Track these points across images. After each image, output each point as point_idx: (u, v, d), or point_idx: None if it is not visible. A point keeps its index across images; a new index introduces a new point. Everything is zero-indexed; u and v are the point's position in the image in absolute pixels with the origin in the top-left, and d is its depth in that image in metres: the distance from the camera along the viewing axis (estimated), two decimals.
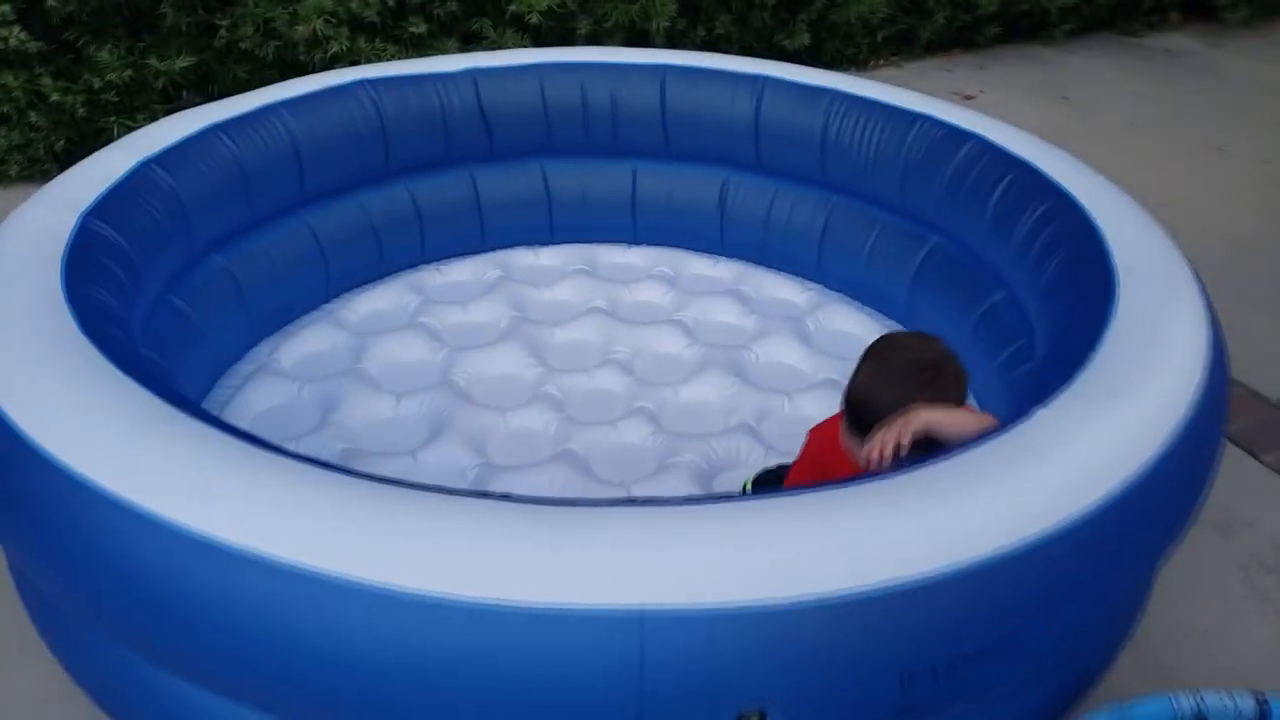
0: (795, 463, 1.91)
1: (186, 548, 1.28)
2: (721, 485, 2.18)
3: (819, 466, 1.79)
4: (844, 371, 2.55)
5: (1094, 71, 5.53)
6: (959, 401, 1.59)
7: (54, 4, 3.44)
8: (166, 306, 2.34)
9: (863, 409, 1.58)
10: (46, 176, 3.77)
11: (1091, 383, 1.57)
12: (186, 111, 2.58)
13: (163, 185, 2.32)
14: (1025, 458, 1.42)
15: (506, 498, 1.33)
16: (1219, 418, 1.69)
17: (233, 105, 2.62)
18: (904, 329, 2.79)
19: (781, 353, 2.68)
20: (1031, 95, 5.12)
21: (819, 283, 3.03)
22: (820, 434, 1.82)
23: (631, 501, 1.31)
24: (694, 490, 2.13)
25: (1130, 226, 2.09)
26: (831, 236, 2.96)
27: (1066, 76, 5.44)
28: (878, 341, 1.69)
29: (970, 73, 5.45)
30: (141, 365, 1.61)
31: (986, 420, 1.56)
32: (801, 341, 2.71)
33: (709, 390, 2.50)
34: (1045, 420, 1.49)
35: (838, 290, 2.99)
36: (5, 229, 1.95)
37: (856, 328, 2.80)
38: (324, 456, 2.22)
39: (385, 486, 1.33)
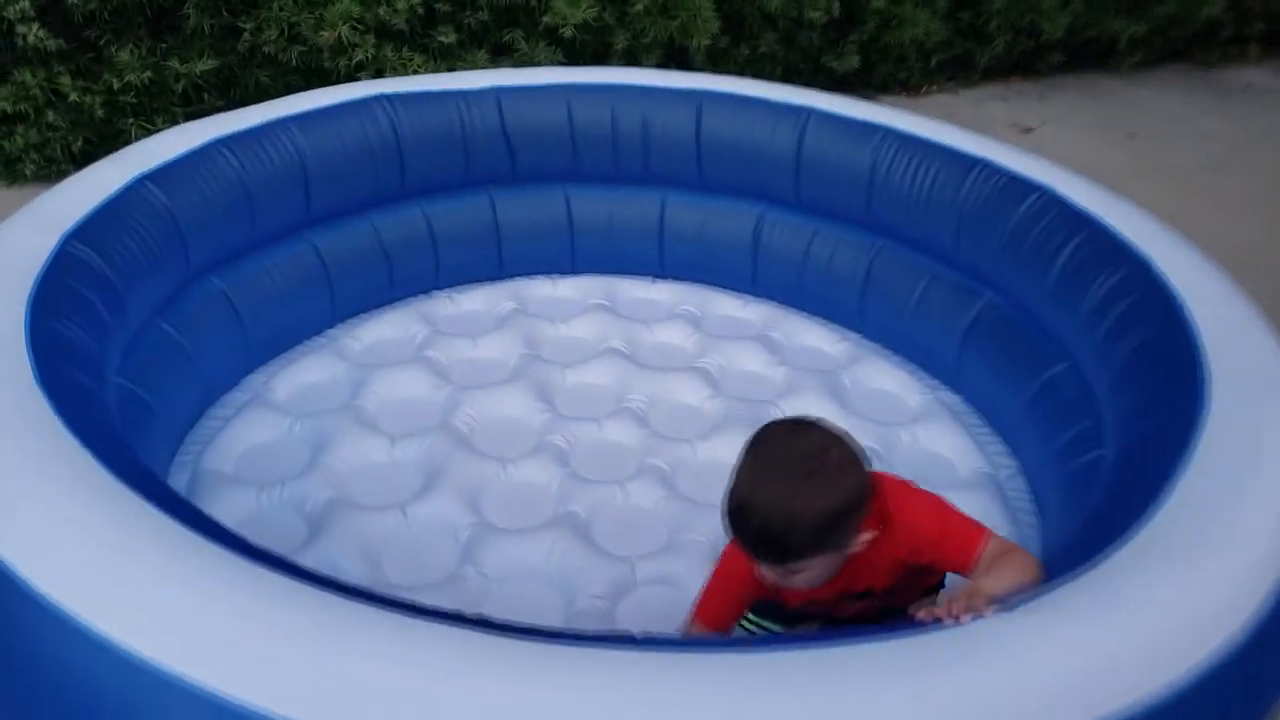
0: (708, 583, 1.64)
1: (119, 666, 1.10)
2: None
3: (728, 589, 1.60)
4: (881, 438, 2.36)
5: (1164, 107, 5.24)
6: (860, 493, 1.35)
7: (75, 2, 3.32)
8: (155, 332, 2.19)
9: (739, 516, 1.36)
10: (62, 177, 3.66)
11: (1175, 521, 1.34)
12: (188, 125, 2.43)
13: (156, 204, 2.17)
14: (1097, 617, 1.19)
15: (483, 624, 1.13)
16: None
17: (238, 119, 2.46)
18: (950, 392, 2.58)
19: (812, 410, 2.42)
20: (1095, 130, 4.85)
21: (857, 332, 2.81)
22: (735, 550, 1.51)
23: (632, 641, 1.11)
24: (703, 572, 1.92)
25: (1220, 306, 1.86)
26: (875, 283, 2.74)
27: (1134, 111, 5.15)
28: (753, 436, 1.45)
29: (1030, 103, 5.19)
30: (97, 424, 1.44)
31: (1033, 567, 1.35)
32: (835, 400, 2.49)
33: (728, 451, 2.23)
34: (1120, 567, 1.26)
35: (876, 341, 2.77)
36: None
37: (896, 386, 2.58)
38: (309, 505, 2.08)
39: (349, 604, 1.13)
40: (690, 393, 2.52)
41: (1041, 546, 2.06)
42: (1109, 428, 1.87)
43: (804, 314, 2.90)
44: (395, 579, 1.91)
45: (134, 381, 2.01)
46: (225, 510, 2.03)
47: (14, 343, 1.56)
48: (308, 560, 1.89)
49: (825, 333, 2.82)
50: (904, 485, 1.51)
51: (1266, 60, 5.85)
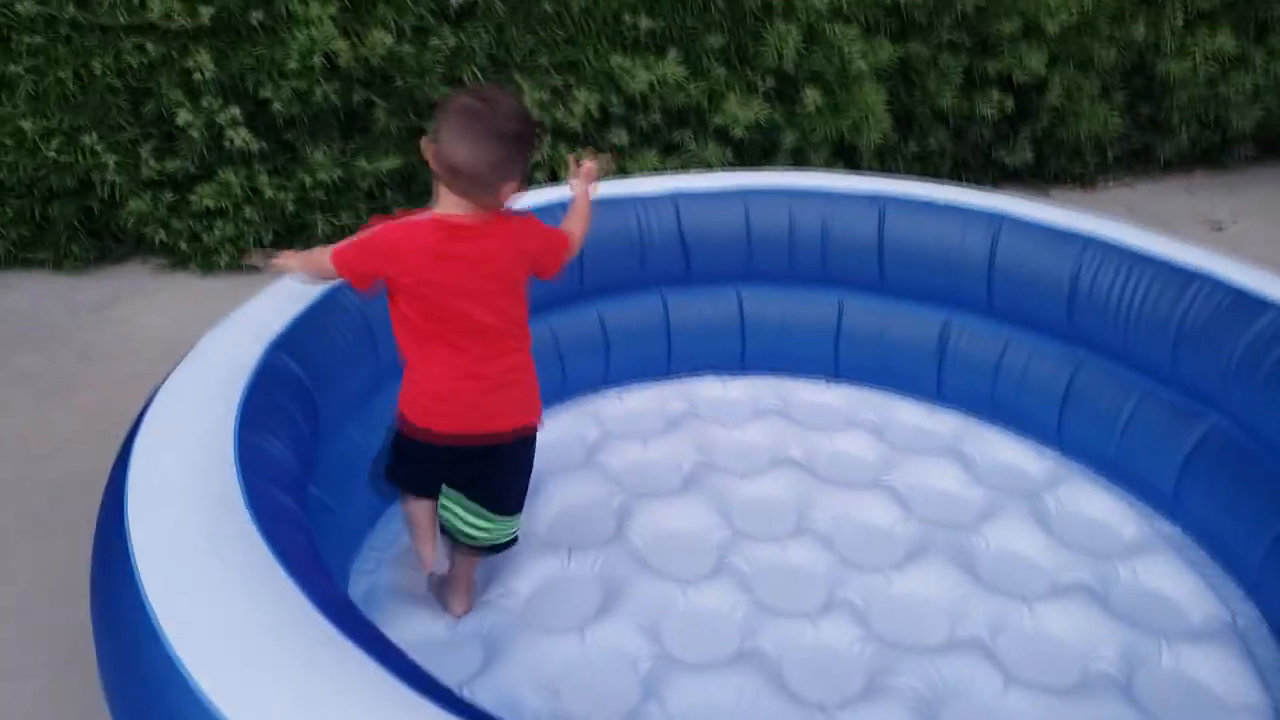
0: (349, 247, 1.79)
1: None
2: None
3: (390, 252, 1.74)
4: (1097, 574, 2.15)
5: None
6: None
7: (279, 108, 3.50)
8: (343, 438, 2.19)
9: (472, 180, 1.67)
10: (253, 268, 3.85)
11: None
12: None
13: (352, 309, 2.20)
14: None
15: None
16: None
17: None
18: (1169, 522, 2.35)
19: (1017, 540, 2.27)
20: None
21: (1055, 448, 2.62)
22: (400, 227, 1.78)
23: None
24: None
25: None
26: (1076, 398, 2.55)
27: None
28: (468, 103, 1.68)
29: (1217, 196, 4.90)
30: (300, 549, 1.41)
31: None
32: (1040, 526, 2.30)
33: (929, 584, 2.12)
34: None
35: (1078, 460, 2.56)
36: (191, 362, 1.83)
37: (1106, 513, 2.37)
38: (487, 625, 2.01)
39: None
40: (879, 513, 2.37)
41: None
42: None
43: (995, 426, 2.72)
44: (575, 710, 1.82)
45: (323, 489, 2.01)
46: (403, 631, 1.99)
47: (225, 461, 1.55)
48: (487, 690, 1.84)
49: (1021, 448, 2.63)
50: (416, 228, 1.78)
51: None
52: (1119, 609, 2.05)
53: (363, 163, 3.62)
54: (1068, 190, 4.89)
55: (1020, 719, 1.78)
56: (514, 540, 2.01)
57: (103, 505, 1.47)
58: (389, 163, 3.62)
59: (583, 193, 2.09)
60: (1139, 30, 4.46)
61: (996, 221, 2.63)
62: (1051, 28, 4.24)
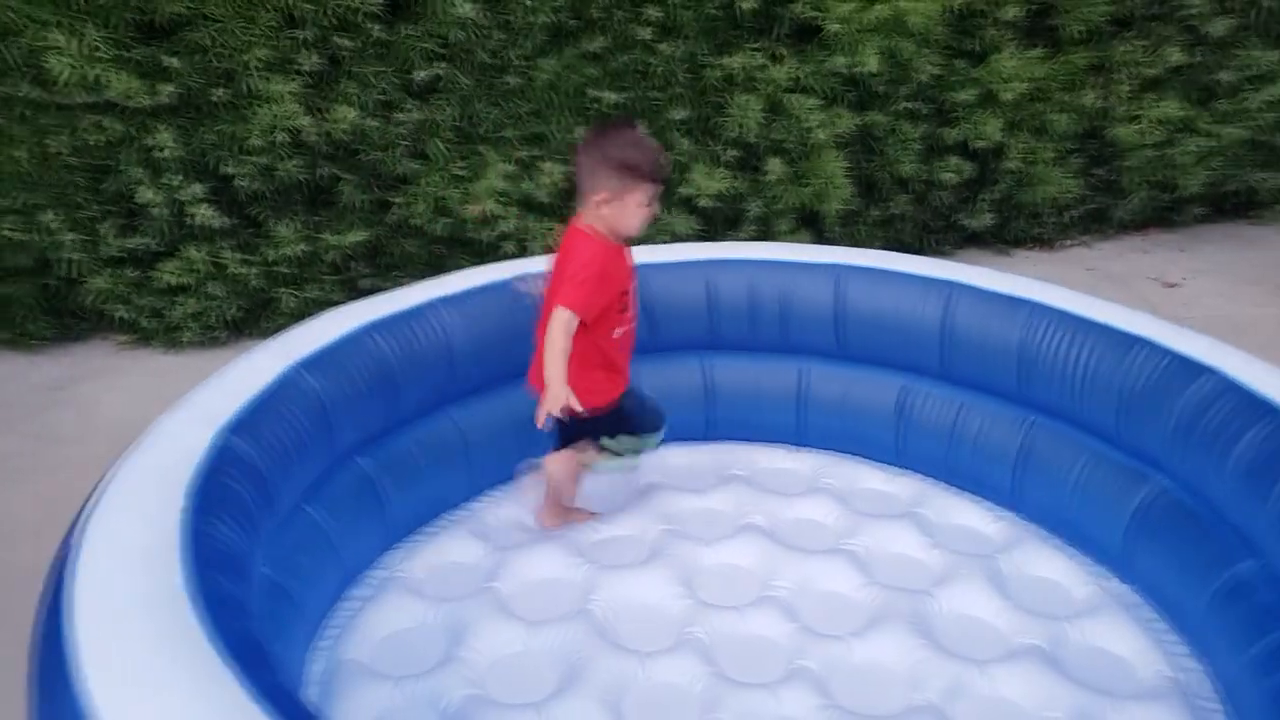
0: (580, 286, 2.22)
1: None
2: None
3: (604, 282, 2.26)
4: (1049, 636, 2.18)
5: None
6: None
7: (243, 184, 3.56)
8: (300, 517, 2.20)
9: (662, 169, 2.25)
10: (218, 343, 3.87)
11: None
12: (342, 309, 2.51)
13: (308, 390, 2.23)
14: None
15: None
16: None
17: (389, 303, 2.54)
18: (1119, 581, 2.39)
19: (973, 603, 2.30)
20: (1245, 283, 4.64)
21: (1011, 510, 2.66)
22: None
23: None
24: None
25: None
26: (1029, 461, 2.60)
27: None
28: (595, 127, 2.29)
29: (1171, 255, 5.02)
30: (241, 639, 1.42)
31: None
32: (995, 589, 2.33)
33: (887, 651, 2.14)
34: None
35: (1035, 522, 2.61)
36: (140, 448, 1.85)
37: (1060, 574, 2.41)
38: (445, 701, 2.02)
39: None
40: (840, 579, 2.39)
41: None
42: None
43: (954, 489, 2.76)
44: None
45: (277, 569, 2.02)
46: (362, 705, 2.00)
47: (170, 551, 1.56)
48: None
49: (979, 511, 2.67)
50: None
51: None
52: (1070, 669, 2.08)
53: (328, 236, 3.68)
54: (1029, 251, 5.01)
55: None
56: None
57: (42, 599, 1.48)
58: (355, 235, 3.68)
59: None
60: (1090, 97, 4.62)
61: (948, 289, 2.70)
62: (1007, 96, 4.38)
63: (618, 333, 2.36)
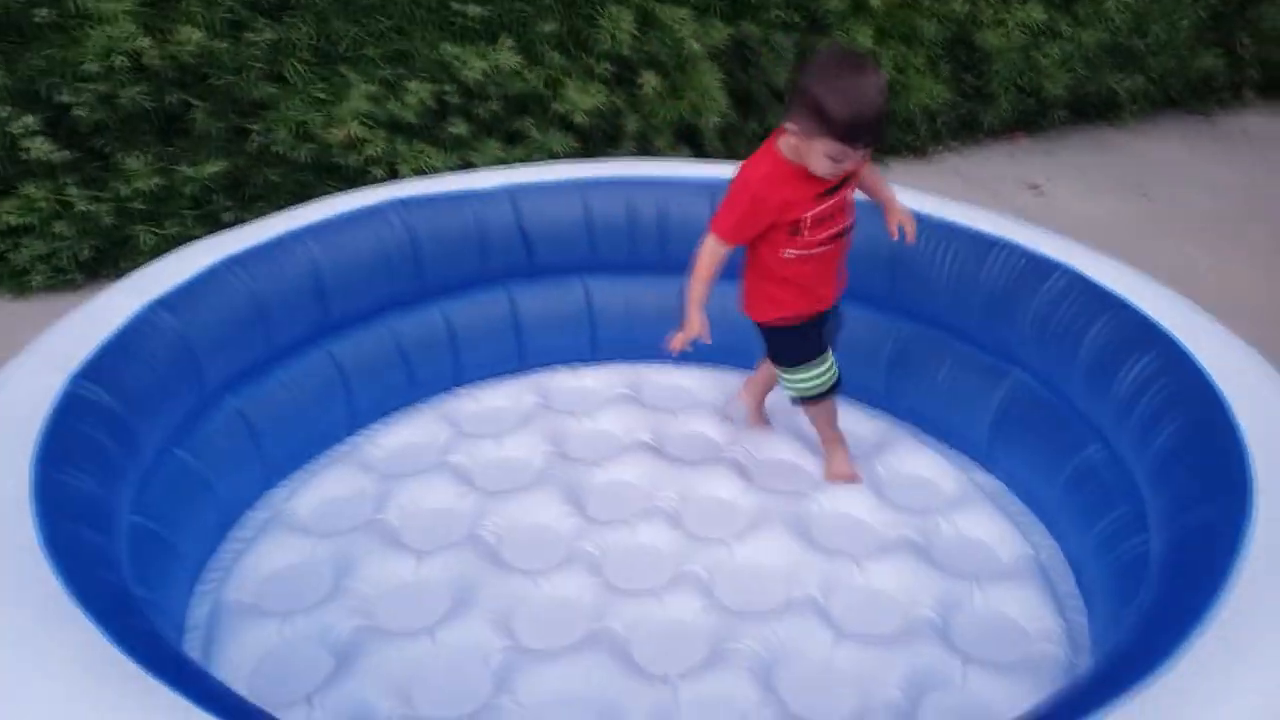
0: (729, 212, 2.16)
1: None
2: (782, 683, 1.89)
3: (757, 211, 2.12)
4: (920, 529, 2.29)
5: (1167, 156, 5.24)
6: None
7: (81, 114, 3.33)
8: (170, 461, 2.13)
9: (869, 118, 1.95)
10: (72, 286, 3.66)
11: (1229, 625, 1.30)
12: (200, 243, 2.41)
13: (168, 330, 2.14)
14: None
15: None
16: None
17: (250, 234, 2.44)
18: (984, 473, 2.51)
19: (848, 503, 2.39)
20: (1104, 185, 4.84)
21: (886, 411, 2.76)
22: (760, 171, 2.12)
23: None
24: (748, 689, 1.85)
25: (1255, 386, 1.82)
26: (900, 363, 2.69)
27: (1140, 162, 5.14)
28: (814, 61, 2.03)
29: (1037, 159, 5.19)
30: (103, 588, 1.38)
31: None
32: (870, 488, 2.43)
33: (767, 552, 2.22)
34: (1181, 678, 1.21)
35: (907, 421, 2.71)
36: None
37: (931, 470, 2.52)
38: (334, 634, 2.01)
39: None
40: (723, 487, 2.46)
41: (1089, 636, 2.00)
42: (1152, 516, 1.81)
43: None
44: (428, 712, 1.84)
45: (150, 516, 1.96)
46: (247, 644, 1.98)
47: (19, 502, 1.50)
48: (335, 699, 1.84)
49: (855, 413, 2.74)
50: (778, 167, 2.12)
51: (1263, 106, 5.87)
52: (939, 559, 2.20)
53: (184, 168, 3.49)
54: (903, 160, 5.10)
55: (848, 669, 1.90)
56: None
57: None
58: (212, 166, 3.50)
59: None
60: (958, 3, 4.68)
61: None
62: (876, 3, 4.40)
63: (789, 254, 2.15)
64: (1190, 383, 1.89)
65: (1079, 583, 2.16)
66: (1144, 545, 1.82)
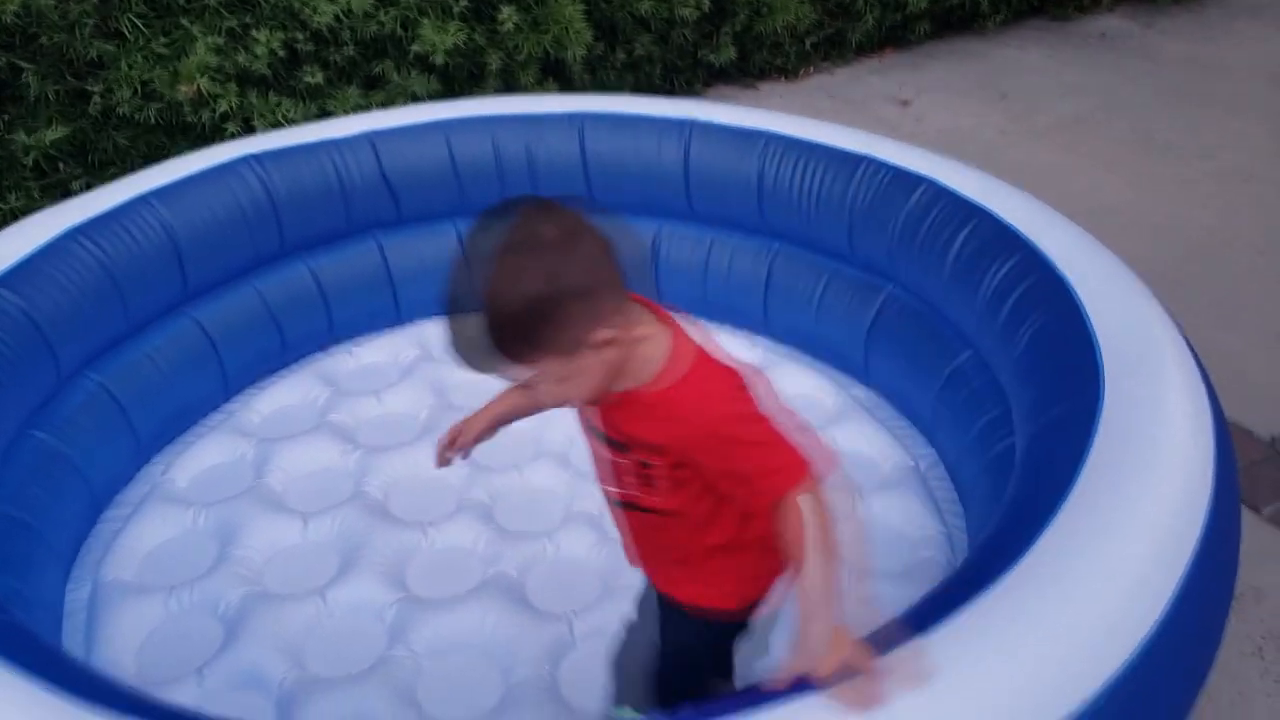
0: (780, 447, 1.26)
1: None
2: None
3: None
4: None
5: (1029, 63, 5.37)
6: (582, 283, 1.10)
7: None
8: (30, 444, 2.04)
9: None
10: None
11: (1082, 511, 1.38)
12: (38, 215, 2.28)
13: (12, 310, 2.02)
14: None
15: None
16: (1233, 534, 1.49)
17: (95, 202, 2.32)
18: (863, 388, 2.58)
19: None
20: (969, 95, 4.95)
21: (767, 336, 2.81)
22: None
23: None
24: None
25: (1107, 285, 1.90)
26: (776, 287, 2.73)
27: (1002, 70, 5.27)
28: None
29: (904, 74, 5.26)
30: None
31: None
32: None
33: None
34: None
35: (787, 344, 2.76)
36: None
37: (811, 389, 2.58)
38: (222, 604, 1.98)
39: None
40: None
41: (967, 538, 2.09)
42: (1016, 415, 1.89)
43: (712, 324, 2.87)
44: (321, 672, 1.83)
45: (12, 504, 1.89)
46: (131, 624, 1.93)
47: None
48: (227, 667, 1.82)
49: (734, 341, 2.78)
50: (717, 362, 1.22)
51: (1117, 8, 6.05)
52: None
53: (22, 136, 3.27)
54: (773, 83, 5.12)
55: None
56: None
57: None
58: (53, 133, 3.29)
59: None
60: None
61: (686, 128, 2.73)
62: None
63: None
64: (1047, 285, 1.96)
65: (956, 487, 2.25)
66: (1011, 445, 1.90)
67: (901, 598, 1.86)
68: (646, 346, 1.21)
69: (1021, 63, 5.37)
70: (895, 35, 5.48)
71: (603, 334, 1.12)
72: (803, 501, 1.19)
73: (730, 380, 1.22)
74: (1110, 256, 2.02)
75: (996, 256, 2.10)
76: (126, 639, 1.91)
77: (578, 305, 1.10)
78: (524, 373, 1.15)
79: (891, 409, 2.51)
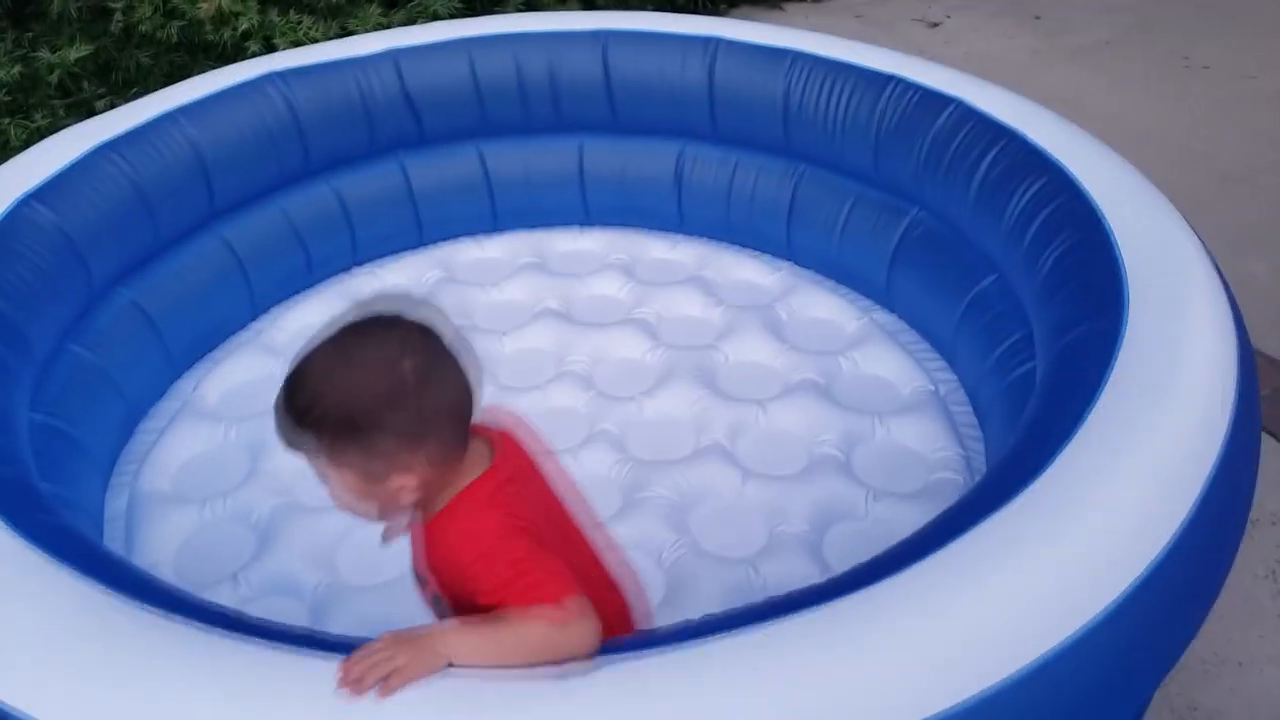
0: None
1: None
2: (695, 523, 1.97)
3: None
4: (822, 370, 2.37)
5: None
6: (398, 403, 1.07)
7: None
8: (67, 357, 2.09)
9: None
10: None
11: (1101, 431, 1.38)
12: (68, 131, 2.29)
13: (46, 224, 2.05)
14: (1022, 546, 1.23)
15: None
16: (1252, 460, 1.50)
17: (122, 119, 2.33)
18: (885, 312, 2.58)
19: (752, 351, 2.45)
20: (1001, 16, 4.83)
21: (789, 260, 2.80)
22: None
23: None
24: (662, 530, 1.93)
25: (1136, 209, 1.88)
26: (800, 210, 2.72)
27: None
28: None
29: None
30: (10, 484, 1.37)
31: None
32: (773, 335, 2.49)
33: (676, 404, 2.28)
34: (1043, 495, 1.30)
35: (810, 269, 2.76)
36: None
37: (831, 313, 2.58)
38: (255, 515, 2.04)
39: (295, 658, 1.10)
40: (631, 346, 2.49)
41: (985, 460, 2.10)
42: (1038, 338, 1.89)
43: (735, 248, 2.87)
44: (353, 580, 1.89)
45: (52, 414, 1.94)
46: (168, 531, 1.99)
47: None
48: (261, 573, 1.88)
49: (757, 265, 2.79)
50: (500, 498, 1.14)
51: None
52: (841, 397, 2.28)
53: (45, 54, 3.27)
54: (798, 3, 5.02)
55: (755, 507, 1.99)
56: None
57: None
58: (77, 51, 3.28)
59: None
60: None
61: (711, 46, 2.69)
62: None
63: None
64: (1074, 208, 1.93)
65: (975, 411, 2.25)
66: (1032, 368, 1.89)
67: (918, 519, 1.88)
68: (451, 484, 1.14)
69: None
70: None
71: (400, 480, 1.09)
72: (538, 623, 1.06)
73: (493, 519, 1.12)
74: (1140, 179, 1.99)
75: (1024, 179, 2.07)
76: (164, 546, 1.97)
77: (393, 445, 1.07)
78: (314, 461, 1.11)
79: (913, 333, 2.51)
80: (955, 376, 2.35)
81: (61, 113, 3.40)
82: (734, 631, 1.13)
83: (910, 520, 1.85)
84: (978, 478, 2.06)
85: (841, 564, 1.51)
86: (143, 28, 3.35)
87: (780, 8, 4.91)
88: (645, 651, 1.10)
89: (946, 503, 1.90)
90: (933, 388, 2.31)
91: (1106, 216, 1.85)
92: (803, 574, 1.78)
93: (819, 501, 1.99)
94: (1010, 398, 2.02)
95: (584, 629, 1.07)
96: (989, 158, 2.20)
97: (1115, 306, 1.64)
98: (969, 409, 2.26)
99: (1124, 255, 1.75)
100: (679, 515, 1.98)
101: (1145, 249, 1.76)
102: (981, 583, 1.20)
